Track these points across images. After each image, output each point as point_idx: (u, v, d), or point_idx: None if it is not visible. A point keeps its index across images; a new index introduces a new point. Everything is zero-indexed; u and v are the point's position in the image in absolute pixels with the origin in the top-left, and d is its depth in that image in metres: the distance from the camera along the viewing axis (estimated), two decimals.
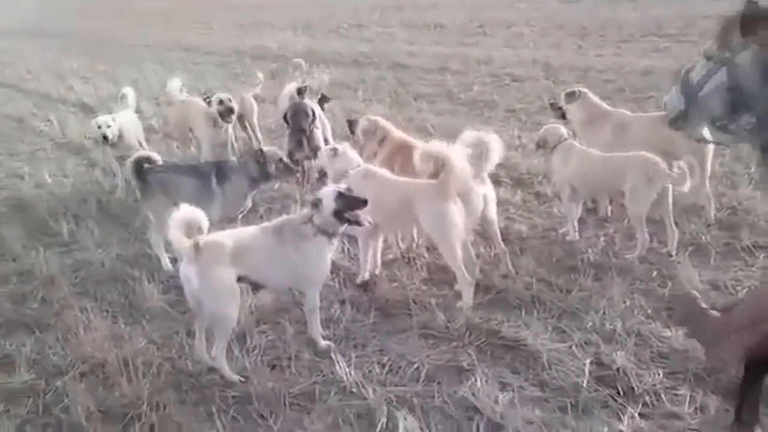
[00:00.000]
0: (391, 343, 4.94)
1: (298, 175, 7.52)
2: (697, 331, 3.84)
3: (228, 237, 4.69)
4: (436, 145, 5.41)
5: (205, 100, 8.89)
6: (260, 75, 10.23)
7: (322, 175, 6.88)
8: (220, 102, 8.36)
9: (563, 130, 6.45)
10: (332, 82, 11.78)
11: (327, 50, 17.95)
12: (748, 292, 5.12)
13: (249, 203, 6.46)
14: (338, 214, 4.75)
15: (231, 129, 8.78)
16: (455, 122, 10.42)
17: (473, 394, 4.24)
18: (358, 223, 4.83)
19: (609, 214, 6.81)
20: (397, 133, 6.65)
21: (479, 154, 5.48)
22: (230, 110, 8.37)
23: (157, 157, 6.41)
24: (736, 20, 3.23)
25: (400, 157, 6.23)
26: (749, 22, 3.19)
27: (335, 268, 5.81)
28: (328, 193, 4.79)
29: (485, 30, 20.09)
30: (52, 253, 6.73)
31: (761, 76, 3.20)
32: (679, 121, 3.69)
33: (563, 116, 7.14)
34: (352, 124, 6.85)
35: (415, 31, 20.98)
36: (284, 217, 5.16)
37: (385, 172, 5.88)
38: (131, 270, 6.30)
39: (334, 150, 5.95)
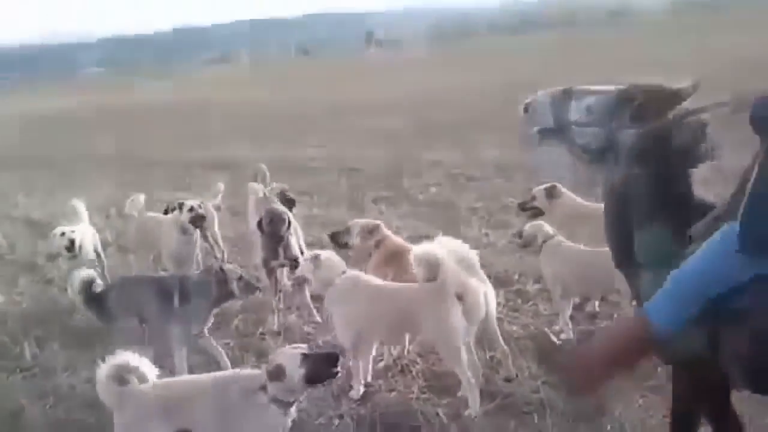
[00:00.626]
0: None
1: (272, 284, 7.29)
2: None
3: (164, 386, 4.29)
4: (428, 247, 5.31)
5: (169, 210, 8.71)
6: (220, 185, 10.02)
7: (299, 283, 6.69)
8: (191, 209, 8.10)
9: (548, 228, 6.44)
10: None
11: (276, 157, 17.90)
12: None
13: (211, 319, 6.24)
14: (309, 380, 4.11)
15: (199, 239, 8.47)
16: (419, 224, 10.42)
17: None
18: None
19: (597, 309, 6.73)
20: (394, 237, 6.60)
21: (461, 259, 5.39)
22: (201, 217, 8.13)
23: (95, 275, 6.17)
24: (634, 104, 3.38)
25: (395, 262, 6.08)
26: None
27: None
28: (289, 357, 4.11)
29: (433, 132, 20.44)
30: (16, 378, 6.24)
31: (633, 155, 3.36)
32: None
33: (537, 214, 7.16)
34: (336, 235, 6.76)
35: (364, 135, 21.19)
36: (234, 372, 4.62)
37: (376, 279, 5.76)
38: None
39: (316, 257, 5.75)
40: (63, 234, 7.90)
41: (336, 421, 5.17)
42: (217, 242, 9.49)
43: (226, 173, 15.09)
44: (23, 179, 19.10)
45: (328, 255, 5.78)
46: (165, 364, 5.32)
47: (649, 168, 3.32)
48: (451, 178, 14.30)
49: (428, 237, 6.10)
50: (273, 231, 6.93)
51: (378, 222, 6.70)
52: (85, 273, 6.13)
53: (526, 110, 3.87)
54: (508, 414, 5.05)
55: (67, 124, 28.65)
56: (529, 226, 6.54)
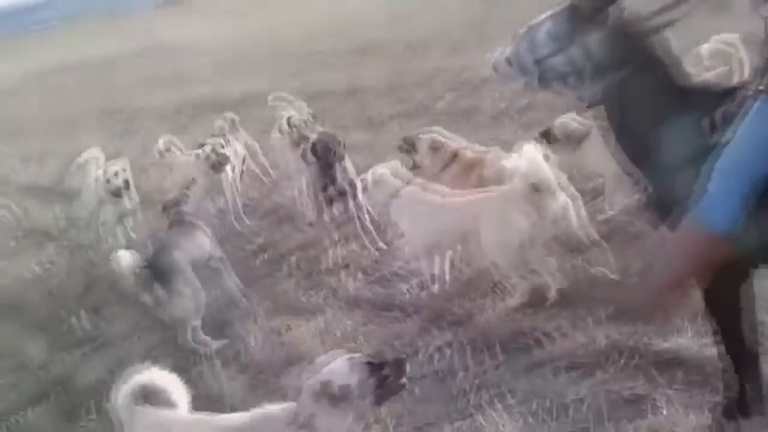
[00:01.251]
0: (536, 383, 4.32)
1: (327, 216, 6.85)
2: None
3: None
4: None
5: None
6: (235, 117, 9.38)
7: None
8: (213, 150, 7.76)
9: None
10: None
11: (272, 88, 17.02)
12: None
13: None
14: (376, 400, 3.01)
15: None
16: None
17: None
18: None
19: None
20: (467, 151, 6.22)
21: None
22: (225, 157, 7.82)
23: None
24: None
25: (474, 175, 5.86)
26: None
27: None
28: (341, 371, 2.95)
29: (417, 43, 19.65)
30: (80, 353, 5.86)
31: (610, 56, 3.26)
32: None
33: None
34: (406, 146, 6.35)
35: (355, 54, 20.34)
36: (263, 410, 3.15)
37: (441, 188, 5.60)
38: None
39: (373, 174, 5.74)
40: (116, 174, 7.49)
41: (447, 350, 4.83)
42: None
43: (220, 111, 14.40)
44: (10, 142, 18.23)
45: (389, 168, 5.74)
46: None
47: (635, 64, 3.23)
48: (464, 83, 13.65)
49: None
50: (327, 155, 6.44)
51: (443, 139, 6.27)
52: (131, 260, 5.53)
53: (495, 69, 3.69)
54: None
55: (40, 88, 27.36)
56: (558, 122, 6.23)
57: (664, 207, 3.10)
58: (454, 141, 6.27)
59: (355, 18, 26.00)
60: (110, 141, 13.20)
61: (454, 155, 6.09)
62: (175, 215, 6.10)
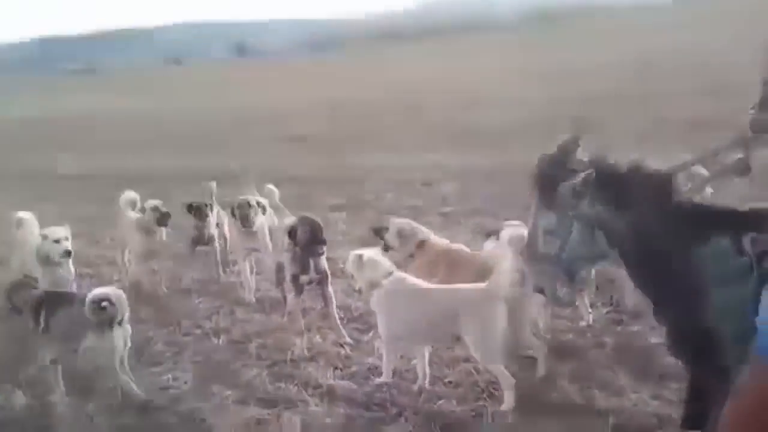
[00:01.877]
0: None
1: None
2: None
3: None
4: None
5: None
6: (212, 184, 8.97)
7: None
8: (155, 208, 7.97)
9: None
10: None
11: (193, 168, 16.56)
12: None
13: None
14: None
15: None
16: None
17: None
18: None
19: None
20: (437, 240, 6.24)
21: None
22: (167, 215, 7.99)
23: None
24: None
25: (441, 265, 5.87)
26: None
27: None
28: None
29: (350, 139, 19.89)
30: None
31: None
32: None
33: None
34: (379, 230, 6.33)
35: (284, 144, 20.33)
36: None
37: (422, 281, 5.54)
38: None
39: (360, 257, 5.55)
40: (57, 241, 6.98)
41: None
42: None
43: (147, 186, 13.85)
44: None
45: (373, 254, 5.61)
46: None
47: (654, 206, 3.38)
48: (403, 183, 13.78)
49: None
50: (312, 242, 6.20)
51: (415, 225, 6.30)
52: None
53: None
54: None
55: None
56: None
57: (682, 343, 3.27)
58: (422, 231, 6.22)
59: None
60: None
61: (422, 243, 6.08)
62: None
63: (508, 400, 5.03)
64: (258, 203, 7.67)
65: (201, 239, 8.35)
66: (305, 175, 14.90)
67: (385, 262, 5.62)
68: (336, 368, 6.04)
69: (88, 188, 15.52)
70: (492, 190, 12.66)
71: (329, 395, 5.56)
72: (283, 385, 5.79)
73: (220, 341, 6.81)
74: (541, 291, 3.75)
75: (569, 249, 3.52)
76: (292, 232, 6.31)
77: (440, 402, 5.30)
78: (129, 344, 5.56)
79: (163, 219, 8.02)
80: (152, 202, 8.11)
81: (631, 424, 4.77)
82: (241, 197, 7.81)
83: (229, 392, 5.71)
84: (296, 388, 5.72)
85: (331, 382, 5.78)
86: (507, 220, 6.18)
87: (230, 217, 8.10)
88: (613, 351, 5.81)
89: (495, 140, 17.84)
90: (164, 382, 6.05)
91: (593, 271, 5.95)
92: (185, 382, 5.94)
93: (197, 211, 8.21)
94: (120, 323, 5.35)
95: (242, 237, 7.89)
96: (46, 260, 7.05)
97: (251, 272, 8.07)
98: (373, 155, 17.01)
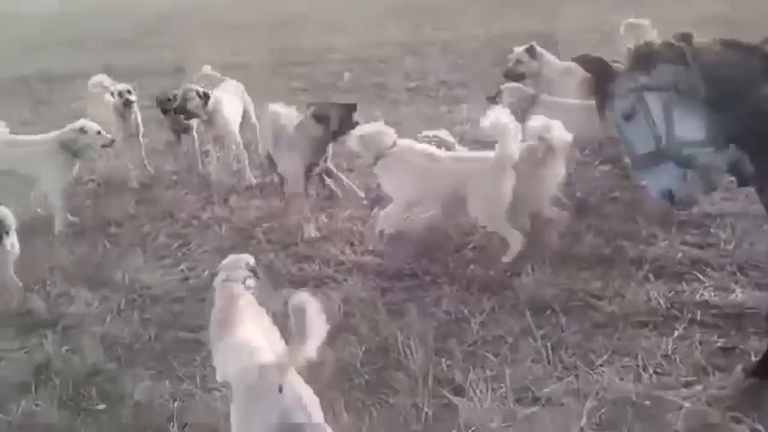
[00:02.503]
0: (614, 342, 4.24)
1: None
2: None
3: None
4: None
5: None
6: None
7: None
8: (119, 93, 7.95)
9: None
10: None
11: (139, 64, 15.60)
12: None
13: None
14: None
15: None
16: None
17: None
18: None
19: None
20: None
21: None
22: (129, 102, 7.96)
23: None
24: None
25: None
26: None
27: None
28: None
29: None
30: None
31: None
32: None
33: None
34: None
35: (223, 32, 19.31)
36: None
37: (430, 147, 5.62)
38: None
39: (362, 136, 5.67)
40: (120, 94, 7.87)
41: None
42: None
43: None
44: None
45: (374, 128, 5.71)
46: None
47: None
48: (358, 62, 13.39)
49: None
50: (345, 125, 5.96)
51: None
52: None
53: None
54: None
55: None
56: (505, 88, 6.44)
57: None
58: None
59: None
60: None
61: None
62: None
63: (510, 253, 5.20)
64: (199, 93, 7.35)
65: (179, 129, 8.11)
66: (254, 62, 14.20)
67: (389, 131, 5.66)
68: (352, 244, 5.96)
69: (18, 92, 14.47)
70: (452, 62, 12.51)
71: (359, 270, 5.50)
72: (306, 265, 5.70)
73: (223, 230, 6.61)
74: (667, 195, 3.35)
75: (668, 135, 3.23)
76: (322, 118, 6.02)
77: (471, 267, 5.30)
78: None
79: (129, 103, 7.96)
80: (120, 86, 8.05)
81: (666, 268, 4.87)
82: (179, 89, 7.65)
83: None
84: (318, 267, 5.64)
85: (355, 257, 5.72)
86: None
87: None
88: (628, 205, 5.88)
89: (441, 15, 17.48)
90: (180, 274, 5.88)
91: None
92: (204, 271, 5.74)
93: (162, 103, 7.95)
94: (8, 233, 5.42)
95: (206, 127, 7.69)
96: None
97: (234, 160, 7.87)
98: (319, 38, 16.37)
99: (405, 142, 5.62)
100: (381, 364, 4.28)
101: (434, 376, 4.04)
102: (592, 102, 3.63)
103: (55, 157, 6.87)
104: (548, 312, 4.57)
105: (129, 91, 7.95)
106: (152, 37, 20.17)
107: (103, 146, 7.07)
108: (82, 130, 6.87)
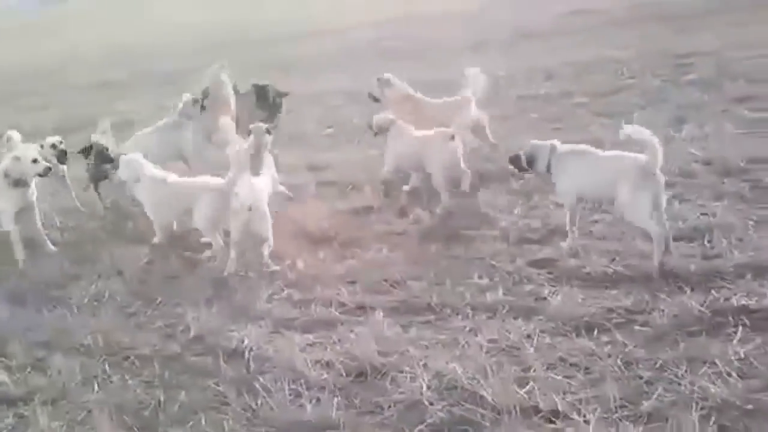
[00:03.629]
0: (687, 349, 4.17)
1: None
2: None
3: None
4: None
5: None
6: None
7: None
8: (53, 146, 7.94)
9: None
10: None
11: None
12: None
13: None
14: None
15: None
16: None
17: None
18: None
19: None
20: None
21: None
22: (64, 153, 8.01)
23: None
24: None
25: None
26: None
27: None
28: None
29: None
30: None
31: None
32: None
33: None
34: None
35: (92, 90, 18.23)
36: None
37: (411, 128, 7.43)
38: None
39: (371, 125, 7.70)
40: (53, 146, 7.92)
41: None
42: None
43: None
44: None
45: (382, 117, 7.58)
46: None
47: None
48: None
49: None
50: None
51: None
52: None
53: None
54: None
55: None
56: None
57: None
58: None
59: None
60: None
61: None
62: None
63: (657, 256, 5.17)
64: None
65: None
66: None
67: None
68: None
69: None
70: None
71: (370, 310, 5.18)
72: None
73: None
74: None
75: None
76: None
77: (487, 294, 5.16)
78: None
79: (63, 156, 8.02)
80: (51, 139, 8.05)
81: (689, 279, 4.93)
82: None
83: None
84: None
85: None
86: None
87: None
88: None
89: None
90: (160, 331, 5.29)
91: None
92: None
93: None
94: None
95: None
96: None
97: None
98: None
99: (399, 122, 7.50)
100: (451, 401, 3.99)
101: (517, 407, 3.80)
102: None
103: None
104: (596, 331, 4.47)
105: (61, 142, 7.97)
106: None
107: (38, 175, 6.87)
108: (16, 158, 6.84)
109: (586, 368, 4.13)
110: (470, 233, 6.32)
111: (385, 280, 5.65)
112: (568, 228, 5.70)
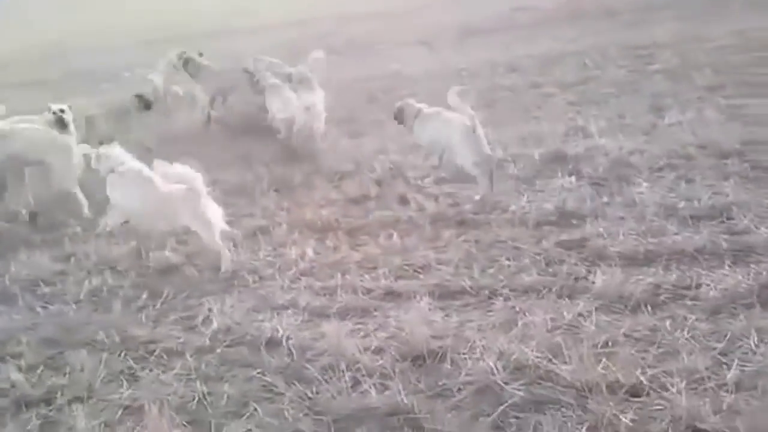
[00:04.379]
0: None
1: None
2: None
3: None
4: None
5: None
6: None
7: None
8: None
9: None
10: None
11: None
12: None
13: None
14: None
15: None
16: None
17: None
18: None
19: None
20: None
21: None
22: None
23: None
24: None
25: None
26: None
27: None
28: None
29: None
30: None
31: None
32: None
33: None
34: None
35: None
36: None
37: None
38: None
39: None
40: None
41: None
42: None
43: None
44: None
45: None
46: None
47: None
48: None
49: None
50: None
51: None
52: None
53: None
54: None
55: None
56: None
57: None
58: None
59: None
60: None
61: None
62: None
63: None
64: None
65: None
66: None
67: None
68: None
69: None
70: None
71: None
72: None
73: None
74: None
75: None
76: None
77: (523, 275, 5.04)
78: None
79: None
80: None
81: (723, 256, 4.96)
82: None
83: None
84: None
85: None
86: None
87: None
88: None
89: None
90: (183, 323, 4.96)
91: None
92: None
93: None
94: None
95: None
96: None
97: None
98: None
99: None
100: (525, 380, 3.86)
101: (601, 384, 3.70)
102: None
103: None
104: (648, 307, 4.41)
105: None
106: None
107: None
108: None
109: (654, 343, 4.05)
110: (479, 218, 6.23)
111: (408, 265, 5.48)
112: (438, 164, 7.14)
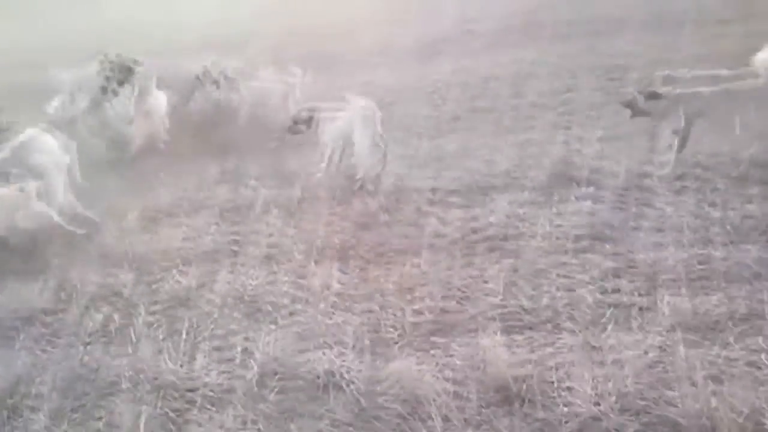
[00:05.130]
0: None
1: None
2: None
3: None
4: None
5: None
6: None
7: None
8: None
9: None
10: None
11: None
12: None
13: None
14: None
15: None
16: None
17: None
18: None
19: None
20: None
21: None
22: None
23: None
24: None
25: None
26: None
27: None
28: None
29: None
30: None
31: None
32: None
33: None
34: None
35: None
36: None
37: None
38: None
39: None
40: None
41: None
42: None
43: None
44: None
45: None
46: None
47: None
48: None
49: None
50: None
51: None
52: None
53: None
54: None
55: None
56: None
57: None
58: None
59: None
60: None
61: None
62: None
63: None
64: None
65: None
66: None
67: None
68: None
69: None
70: None
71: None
72: None
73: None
74: None
75: None
76: None
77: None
78: None
79: None
80: None
81: None
82: None
83: None
84: None
85: None
86: None
87: None
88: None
89: None
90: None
91: None
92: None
93: None
94: None
95: None
96: None
97: None
98: None
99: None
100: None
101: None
102: None
103: None
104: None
105: None
106: None
107: None
108: None
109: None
110: (508, 244, 5.87)
111: (448, 296, 5.12)
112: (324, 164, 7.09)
